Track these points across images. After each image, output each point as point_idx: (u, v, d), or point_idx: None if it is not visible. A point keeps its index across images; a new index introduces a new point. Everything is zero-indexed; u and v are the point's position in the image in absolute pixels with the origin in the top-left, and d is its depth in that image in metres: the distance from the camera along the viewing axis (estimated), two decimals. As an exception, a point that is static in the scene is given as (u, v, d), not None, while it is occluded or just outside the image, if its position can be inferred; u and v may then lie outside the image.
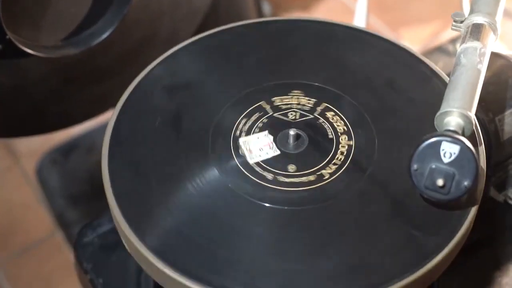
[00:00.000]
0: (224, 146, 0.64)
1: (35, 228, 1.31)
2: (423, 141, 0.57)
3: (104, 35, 0.85)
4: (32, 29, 0.82)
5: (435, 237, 0.59)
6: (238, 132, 0.65)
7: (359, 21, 0.93)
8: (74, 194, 1.26)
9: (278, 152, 0.64)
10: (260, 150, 0.64)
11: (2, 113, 0.89)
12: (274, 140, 0.64)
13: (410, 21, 1.60)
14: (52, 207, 1.27)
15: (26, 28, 0.81)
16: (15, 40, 0.79)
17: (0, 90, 0.86)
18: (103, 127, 1.31)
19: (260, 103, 0.67)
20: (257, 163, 0.63)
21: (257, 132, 0.65)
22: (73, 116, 0.96)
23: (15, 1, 0.78)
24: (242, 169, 0.62)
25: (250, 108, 0.67)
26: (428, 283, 0.59)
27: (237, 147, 0.64)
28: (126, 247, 0.61)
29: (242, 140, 0.64)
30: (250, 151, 0.64)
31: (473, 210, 0.60)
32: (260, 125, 0.65)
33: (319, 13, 1.62)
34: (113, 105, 0.99)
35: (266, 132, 0.65)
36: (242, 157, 0.63)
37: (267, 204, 0.60)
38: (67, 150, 1.32)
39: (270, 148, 0.64)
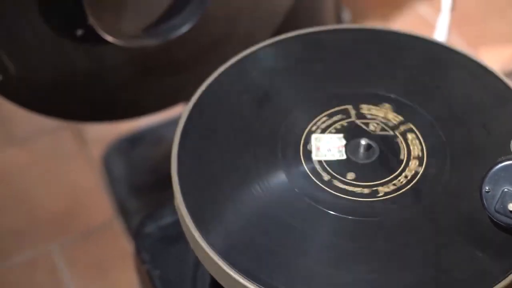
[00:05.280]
0: (293, 150, 0.64)
1: (96, 214, 1.33)
2: (498, 163, 0.56)
3: (183, 29, 0.85)
4: (114, 16, 0.83)
5: (501, 262, 0.57)
6: (308, 136, 0.65)
7: (439, 37, 0.91)
8: (137, 184, 1.27)
9: (344, 157, 0.63)
10: (328, 150, 0.64)
11: (76, 96, 0.91)
12: (346, 146, 0.64)
13: (490, 39, 1.57)
14: (114, 195, 1.29)
15: (108, 14, 0.82)
16: (96, 26, 0.80)
17: (76, 74, 0.87)
18: (172, 121, 1.32)
19: (333, 110, 0.67)
20: (320, 163, 0.62)
21: (332, 133, 0.64)
22: (143, 107, 0.97)
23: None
24: (306, 170, 0.62)
25: (322, 114, 0.66)
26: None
27: (306, 149, 0.64)
28: (189, 242, 0.61)
29: (314, 136, 0.64)
30: (318, 148, 0.63)
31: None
32: (338, 127, 0.65)
33: (398, 25, 1.60)
34: (185, 99, 1.00)
35: (341, 135, 0.64)
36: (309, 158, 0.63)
37: (322, 208, 0.60)
38: (134, 140, 1.33)
39: (338, 151, 0.63)
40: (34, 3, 0.79)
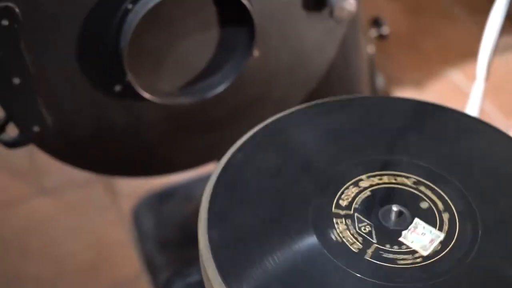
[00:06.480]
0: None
1: (123, 268, 1.33)
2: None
3: (220, 89, 0.87)
4: (152, 74, 0.85)
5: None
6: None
7: (472, 106, 0.92)
8: (166, 240, 1.27)
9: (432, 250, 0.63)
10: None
11: (110, 151, 0.92)
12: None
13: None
14: (142, 250, 1.29)
15: (146, 71, 0.84)
16: (134, 83, 0.81)
17: (112, 129, 0.88)
18: (202, 178, 1.33)
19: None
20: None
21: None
22: (176, 164, 0.97)
23: (140, 44, 0.81)
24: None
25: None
26: None
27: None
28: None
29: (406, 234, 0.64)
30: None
31: None
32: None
33: (431, 91, 1.61)
34: (218, 158, 1.01)
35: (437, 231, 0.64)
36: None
37: (359, 276, 0.60)
38: (165, 196, 1.34)
39: (430, 243, 0.63)
40: (75, 58, 0.81)
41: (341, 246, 0.62)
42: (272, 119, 0.73)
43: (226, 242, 0.62)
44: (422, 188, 0.66)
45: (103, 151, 0.91)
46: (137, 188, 1.38)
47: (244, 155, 0.69)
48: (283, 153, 0.70)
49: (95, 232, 1.38)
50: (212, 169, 1.24)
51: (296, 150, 0.70)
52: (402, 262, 0.61)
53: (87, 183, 1.46)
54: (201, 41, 0.86)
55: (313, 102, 0.75)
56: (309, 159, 0.69)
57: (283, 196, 0.66)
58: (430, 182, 0.67)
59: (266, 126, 0.72)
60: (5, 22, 0.74)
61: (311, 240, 0.62)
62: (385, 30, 1.22)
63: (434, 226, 0.63)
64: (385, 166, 0.68)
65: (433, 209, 0.65)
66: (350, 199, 0.65)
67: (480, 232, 0.63)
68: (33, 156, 1.48)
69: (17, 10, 0.74)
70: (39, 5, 0.76)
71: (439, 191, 0.66)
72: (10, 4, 0.74)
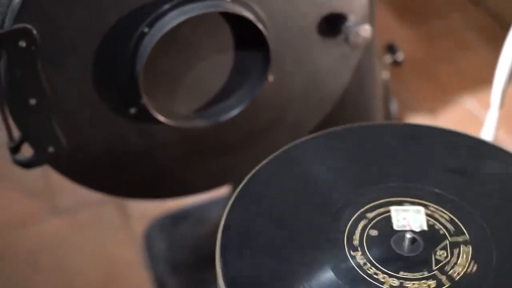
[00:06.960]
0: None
1: (133, 289, 1.33)
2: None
3: (234, 112, 0.87)
4: (167, 96, 0.85)
5: None
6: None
7: (487, 134, 0.92)
8: (177, 263, 1.27)
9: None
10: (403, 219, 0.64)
11: (124, 173, 0.92)
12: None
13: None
14: (154, 272, 1.29)
15: (161, 94, 0.84)
16: (149, 105, 0.82)
17: (126, 151, 0.89)
18: (215, 201, 1.33)
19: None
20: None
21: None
22: (190, 187, 0.97)
23: (156, 67, 0.81)
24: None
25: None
26: None
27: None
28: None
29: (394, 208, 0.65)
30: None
31: None
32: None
33: (445, 119, 1.60)
34: (231, 181, 1.01)
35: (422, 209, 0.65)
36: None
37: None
38: (177, 218, 1.34)
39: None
40: (90, 80, 0.81)
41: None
42: (289, 146, 0.73)
43: (242, 272, 0.62)
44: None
45: (117, 173, 0.91)
46: (149, 210, 1.38)
47: (259, 184, 0.70)
48: (299, 182, 0.70)
49: (106, 253, 1.38)
50: (225, 192, 1.24)
51: (312, 179, 0.70)
52: None
53: (99, 204, 1.47)
54: (216, 65, 0.87)
55: (329, 129, 0.75)
56: (325, 188, 0.69)
57: (298, 227, 0.66)
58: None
59: (282, 153, 0.73)
60: (22, 44, 0.75)
61: (327, 273, 0.62)
62: (400, 56, 1.22)
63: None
64: (399, 193, 0.68)
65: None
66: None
67: (494, 261, 0.62)
68: (47, 176, 1.49)
69: (34, 32, 0.75)
70: (57, 27, 0.77)
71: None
72: (28, 26, 0.75)
